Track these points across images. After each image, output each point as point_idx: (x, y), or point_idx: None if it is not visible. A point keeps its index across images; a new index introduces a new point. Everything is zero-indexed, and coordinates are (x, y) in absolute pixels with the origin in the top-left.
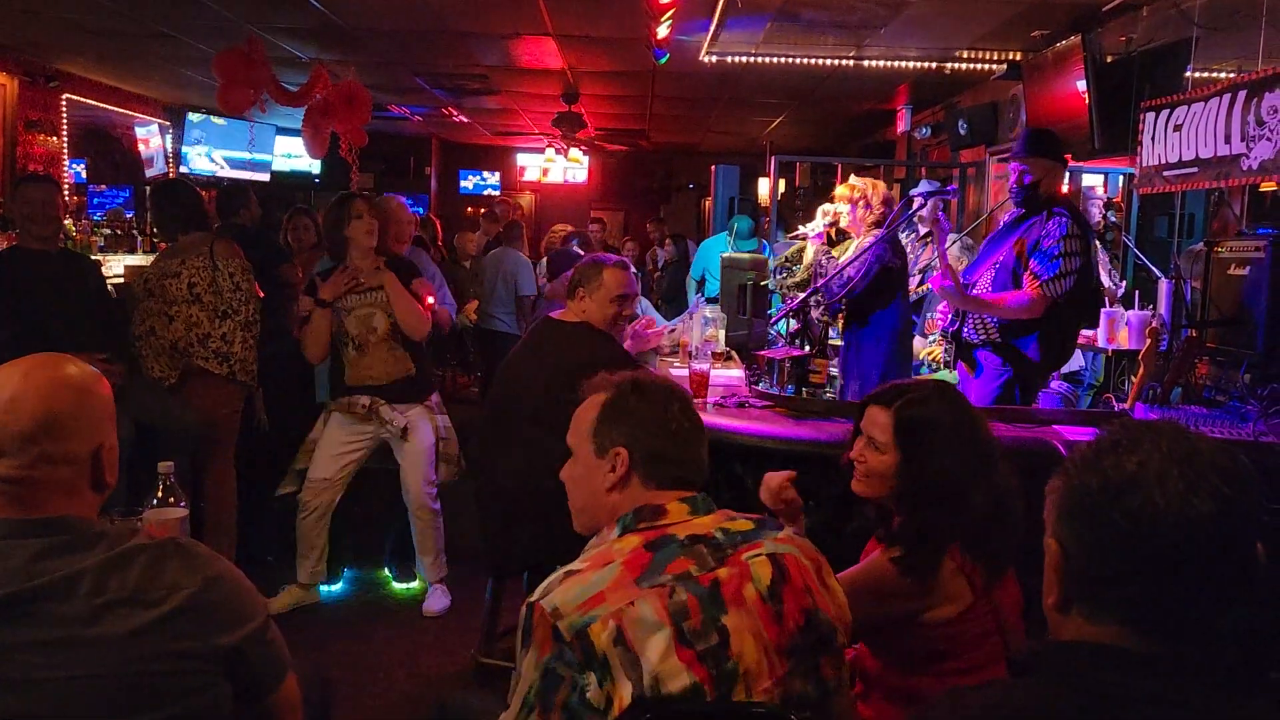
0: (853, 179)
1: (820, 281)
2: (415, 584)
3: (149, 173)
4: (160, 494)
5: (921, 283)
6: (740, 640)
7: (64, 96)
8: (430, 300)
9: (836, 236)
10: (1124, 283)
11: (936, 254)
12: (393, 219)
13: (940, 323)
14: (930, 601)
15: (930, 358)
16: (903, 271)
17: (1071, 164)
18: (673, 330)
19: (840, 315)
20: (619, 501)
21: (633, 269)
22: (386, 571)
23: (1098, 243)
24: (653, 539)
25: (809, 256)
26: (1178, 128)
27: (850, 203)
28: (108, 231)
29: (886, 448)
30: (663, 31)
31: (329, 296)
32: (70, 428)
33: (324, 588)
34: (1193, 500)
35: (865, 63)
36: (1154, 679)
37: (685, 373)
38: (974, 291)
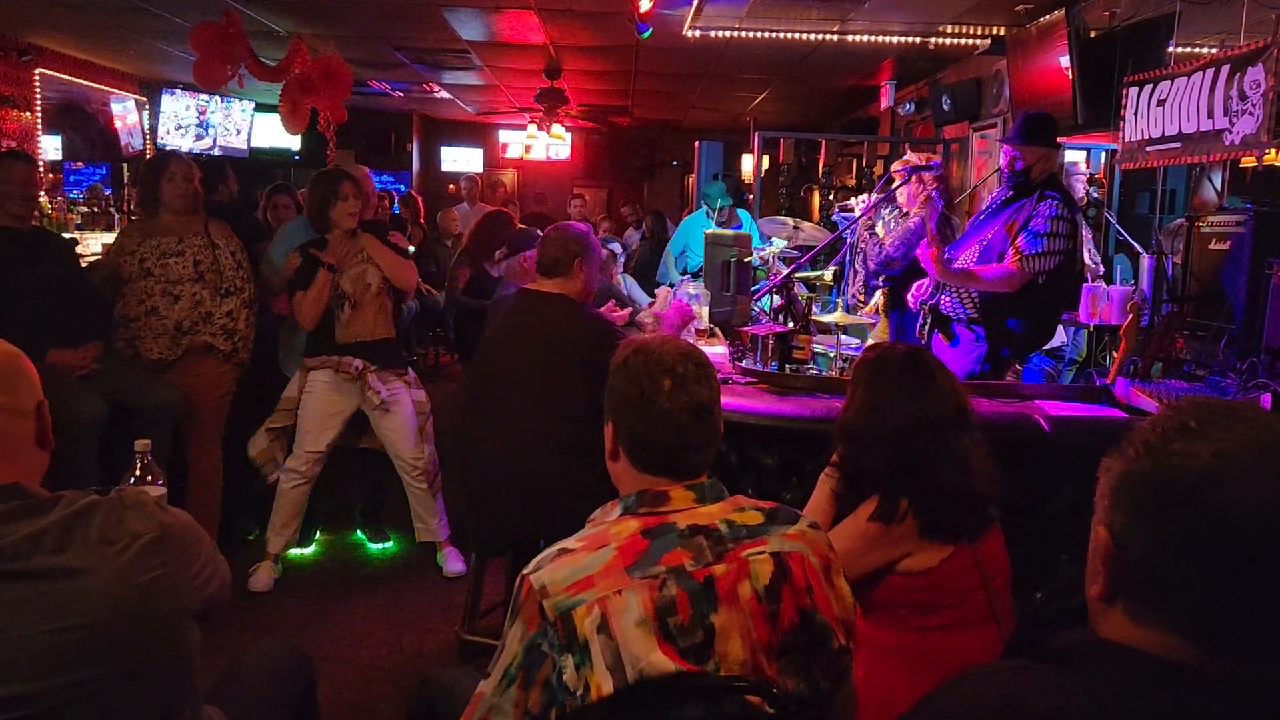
0: (908, 154)
1: (859, 256)
2: (389, 544)
3: (126, 149)
4: (138, 472)
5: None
6: (726, 640)
7: (37, 71)
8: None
9: (887, 210)
10: (1101, 266)
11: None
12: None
13: (918, 296)
14: (906, 549)
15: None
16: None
17: None
18: (649, 306)
19: (883, 292)
20: (619, 473)
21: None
22: (360, 535)
23: (1081, 219)
24: (652, 526)
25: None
26: (1161, 103)
27: (903, 178)
28: (85, 209)
29: (848, 390)
30: (645, 5)
31: (336, 260)
32: (15, 381)
33: (295, 551)
34: None
35: (849, 38)
36: (1206, 699)
37: None
38: (955, 266)
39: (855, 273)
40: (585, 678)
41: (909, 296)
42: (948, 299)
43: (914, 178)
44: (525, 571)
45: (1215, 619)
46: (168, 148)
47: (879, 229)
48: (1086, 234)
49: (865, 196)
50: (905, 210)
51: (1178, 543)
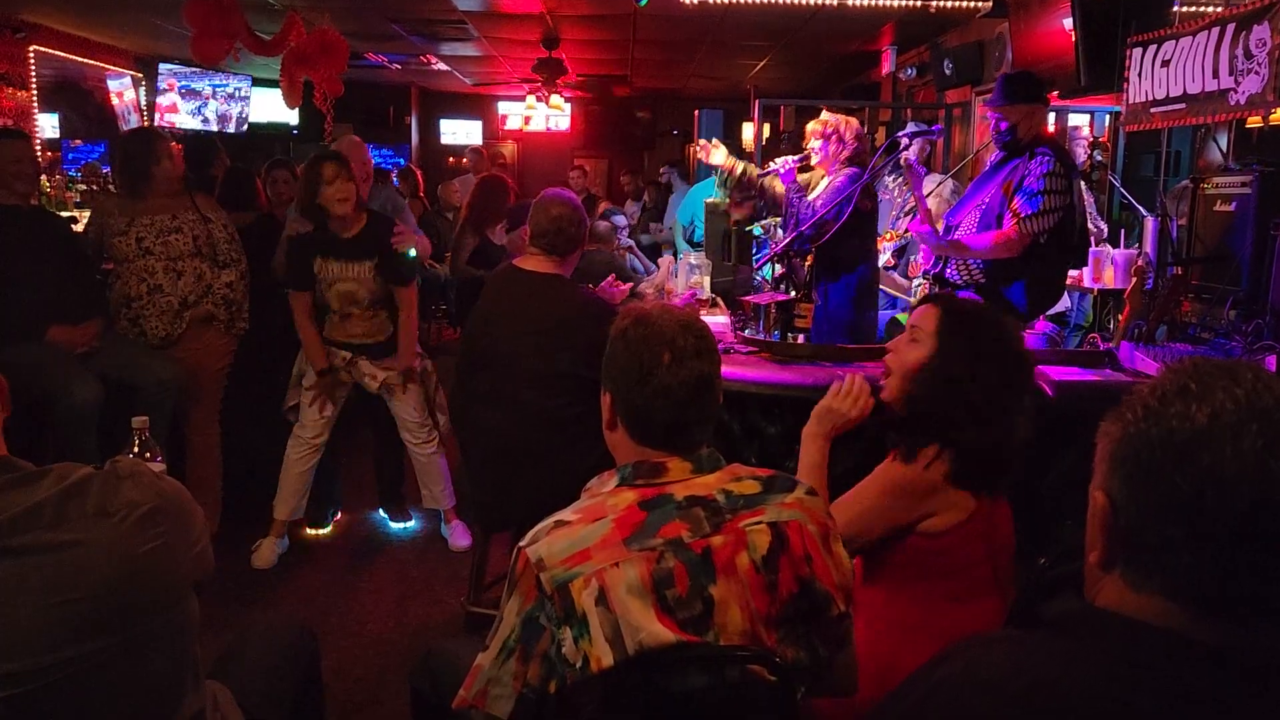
0: (824, 114)
1: (790, 221)
2: (411, 524)
3: (124, 127)
4: (135, 449)
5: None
6: (725, 611)
7: (32, 48)
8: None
9: (802, 178)
10: (1105, 230)
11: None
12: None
13: (923, 265)
14: (932, 506)
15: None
16: (873, 214)
17: (1058, 103)
18: (651, 276)
19: (808, 258)
20: (615, 443)
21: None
22: (382, 513)
23: (1083, 183)
24: (650, 497)
25: (778, 189)
26: (1165, 63)
27: (822, 138)
28: (83, 187)
29: (925, 338)
30: None
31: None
32: None
33: (311, 531)
34: (1273, 462)
35: (849, 1)
36: (1198, 667)
37: None
38: (957, 233)
39: (782, 238)
40: (584, 650)
41: (919, 259)
42: (953, 267)
43: (830, 139)
44: (522, 544)
45: (1204, 584)
46: (173, 125)
47: (808, 192)
48: (1089, 198)
49: (786, 159)
50: (824, 172)
51: (1169, 505)
